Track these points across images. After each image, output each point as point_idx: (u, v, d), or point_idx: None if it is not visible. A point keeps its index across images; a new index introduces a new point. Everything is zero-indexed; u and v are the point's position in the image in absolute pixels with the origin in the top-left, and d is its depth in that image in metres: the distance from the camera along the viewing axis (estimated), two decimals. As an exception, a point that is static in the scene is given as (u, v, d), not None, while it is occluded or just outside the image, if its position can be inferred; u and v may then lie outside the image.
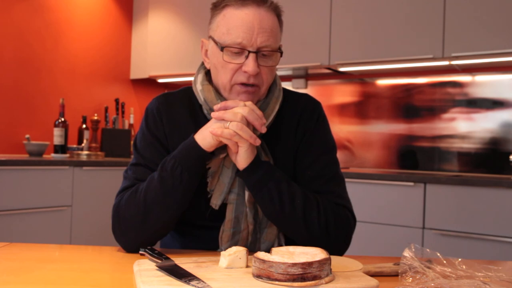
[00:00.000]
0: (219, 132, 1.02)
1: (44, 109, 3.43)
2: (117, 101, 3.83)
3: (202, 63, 1.22)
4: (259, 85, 1.11)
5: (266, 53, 1.09)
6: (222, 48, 1.08)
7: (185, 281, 0.78)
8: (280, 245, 1.16)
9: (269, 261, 0.79)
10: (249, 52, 1.07)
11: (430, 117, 3.10)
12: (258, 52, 1.08)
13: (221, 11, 1.11)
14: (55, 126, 3.19)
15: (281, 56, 1.13)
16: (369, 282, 0.81)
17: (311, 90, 3.54)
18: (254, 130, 1.07)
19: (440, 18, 2.73)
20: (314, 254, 0.83)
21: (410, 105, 3.17)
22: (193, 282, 0.78)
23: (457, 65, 2.88)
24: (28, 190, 2.71)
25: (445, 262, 0.92)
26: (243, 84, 1.09)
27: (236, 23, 1.07)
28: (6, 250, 1.09)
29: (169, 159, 1.07)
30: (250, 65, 1.07)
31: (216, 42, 1.10)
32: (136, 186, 1.11)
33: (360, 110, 3.36)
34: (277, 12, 1.13)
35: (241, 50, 1.07)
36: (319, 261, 0.79)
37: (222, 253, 0.89)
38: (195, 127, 1.13)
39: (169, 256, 0.93)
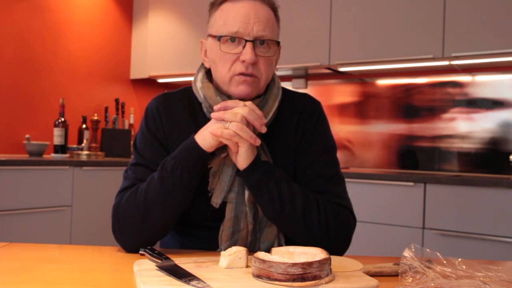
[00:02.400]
0: (219, 133, 1.03)
1: (44, 109, 3.43)
2: (117, 101, 3.83)
3: (202, 63, 1.22)
4: (258, 76, 1.11)
5: (263, 42, 1.10)
6: (219, 38, 1.09)
7: (185, 281, 0.78)
8: (280, 245, 1.16)
9: (269, 261, 0.79)
10: (246, 41, 1.08)
11: (430, 117, 3.10)
12: (255, 41, 1.09)
13: (218, 7, 1.14)
14: (55, 126, 3.19)
15: (278, 46, 1.14)
16: (369, 282, 0.81)
17: (311, 90, 3.54)
18: (254, 130, 1.07)
19: (440, 18, 2.73)
20: (314, 254, 0.83)
21: (410, 105, 3.17)
22: (193, 282, 0.78)
23: (457, 65, 2.88)
24: (28, 190, 2.71)
25: (445, 262, 0.92)
26: (241, 74, 1.10)
27: (233, 14, 1.10)
28: (6, 250, 1.09)
29: (169, 160, 1.07)
30: (247, 53, 1.08)
31: (214, 36, 1.12)
32: (136, 186, 1.11)
33: (360, 110, 3.36)
34: (272, 7, 1.15)
35: (238, 39, 1.08)
36: (319, 261, 0.79)
37: (222, 253, 0.89)
38: (195, 127, 1.14)
39: (169, 256, 0.93)
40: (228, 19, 1.10)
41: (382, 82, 3.29)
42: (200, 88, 1.16)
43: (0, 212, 2.59)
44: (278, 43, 1.14)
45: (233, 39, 1.09)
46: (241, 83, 1.10)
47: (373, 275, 0.92)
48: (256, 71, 1.10)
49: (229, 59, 1.10)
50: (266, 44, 1.11)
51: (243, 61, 1.08)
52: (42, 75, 3.43)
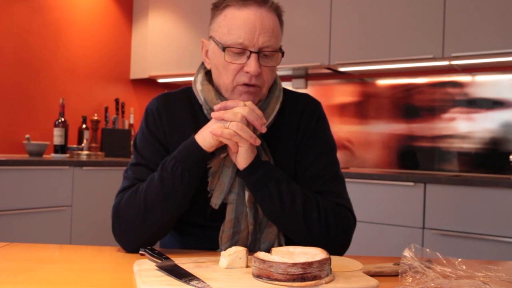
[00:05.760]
0: (219, 132, 1.02)
1: (44, 109, 3.43)
2: (117, 101, 3.83)
3: (202, 63, 1.22)
4: (260, 85, 1.11)
5: (268, 53, 1.09)
6: (223, 49, 1.08)
7: (185, 281, 0.78)
8: (280, 245, 1.16)
9: (269, 261, 0.79)
10: (251, 52, 1.07)
11: (430, 117, 3.10)
12: (259, 52, 1.08)
13: (222, 11, 1.10)
14: (55, 126, 3.19)
15: (282, 56, 1.13)
16: (369, 282, 0.81)
17: (311, 90, 3.54)
18: (254, 130, 1.07)
19: (440, 18, 2.73)
20: (314, 254, 0.83)
21: (410, 105, 3.17)
22: (193, 282, 0.78)
23: (457, 65, 2.88)
24: (28, 190, 2.71)
25: (445, 262, 0.92)
26: (245, 84, 1.09)
27: (238, 24, 1.07)
28: (6, 250, 1.09)
29: (169, 160, 1.07)
30: (252, 65, 1.06)
31: (217, 43, 1.10)
32: (136, 186, 1.11)
33: (360, 110, 3.36)
34: (278, 13, 1.13)
35: (242, 51, 1.07)
36: (319, 261, 0.79)
37: (222, 253, 0.89)
38: (195, 127, 1.13)
39: (169, 256, 0.93)
40: (232, 27, 1.07)
41: (382, 82, 3.29)
42: (201, 91, 1.16)
43: (0, 212, 2.59)
44: (282, 53, 1.12)
45: (238, 50, 1.07)
46: (244, 93, 1.10)
47: (373, 275, 0.92)
48: (259, 81, 1.10)
49: (233, 69, 1.09)
50: (270, 55, 1.10)
51: (247, 72, 1.08)
52: (42, 75, 3.43)
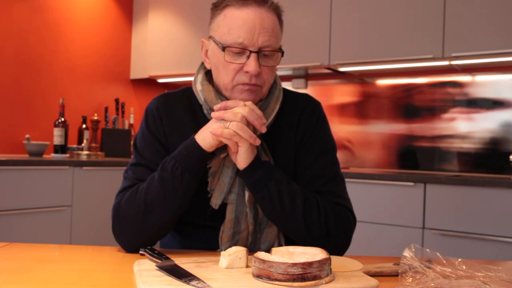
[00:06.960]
0: (219, 132, 1.03)
1: (44, 109, 3.43)
2: (117, 101, 3.83)
3: (202, 63, 1.22)
4: (260, 85, 1.11)
5: (267, 53, 1.09)
6: (223, 48, 1.08)
7: (185, 281, 0.78)
8: (280, 245, 1.16)
9: (269, 261, 0.79)
10: (251, 52, 1.07)
11: (430, 117, 3.10)
12: (259, 52, 1.08)
13: (221, 11, 1.11)
14: (55, 126, 3.19)
15: (282, 56, 1.13)
16: (369, 282, 0.81)
17: (311, 90, 3.54)
18: (254, 130, 1.07)
19: (440, 18, 2.73)
20: (314, 254, 0.83)
21: (410, 105, 3.17)
22: (193, 282, 0.78)
23: (457, 65, 2.88)
24: (28, 190, 2.71)
25: (445, 262, 0.92)
26: (245, 84, 1.09)
27: (237, 23, 1.07)
28: (6, 250, 1.09)
29: (169, 160, 1.08)
30: (251, 65, 1.07)
31: (217, 43, 1.10)
32: (136, 186, 1.11)
33: (360, 110, 3.36)
34: (277, 12, 1.13)
35: (242, 50, 1.07)
36: (319, 261, 0.79)
37: (222, 253, 0.89)
38: (195, 127, 1.14)
39: (169, 256, 0.93)
40: (232, 27, 1.07)
41: (382, 82, 3.29)
42: (201, 91, 1.16)
43: (0, 212, 2.59)
44: (282, 53, 1.12)
45: (237, 49, 1.07)
46: (244, 91, 1.10)
47: (373, 275, 0.92)
48: (259, 80, 1.10)
49: (233, 69, 1.09)
50: (270, 54, 1.10)
51: (247, 72, 1.08)
52: (42, 75, 3.43)
